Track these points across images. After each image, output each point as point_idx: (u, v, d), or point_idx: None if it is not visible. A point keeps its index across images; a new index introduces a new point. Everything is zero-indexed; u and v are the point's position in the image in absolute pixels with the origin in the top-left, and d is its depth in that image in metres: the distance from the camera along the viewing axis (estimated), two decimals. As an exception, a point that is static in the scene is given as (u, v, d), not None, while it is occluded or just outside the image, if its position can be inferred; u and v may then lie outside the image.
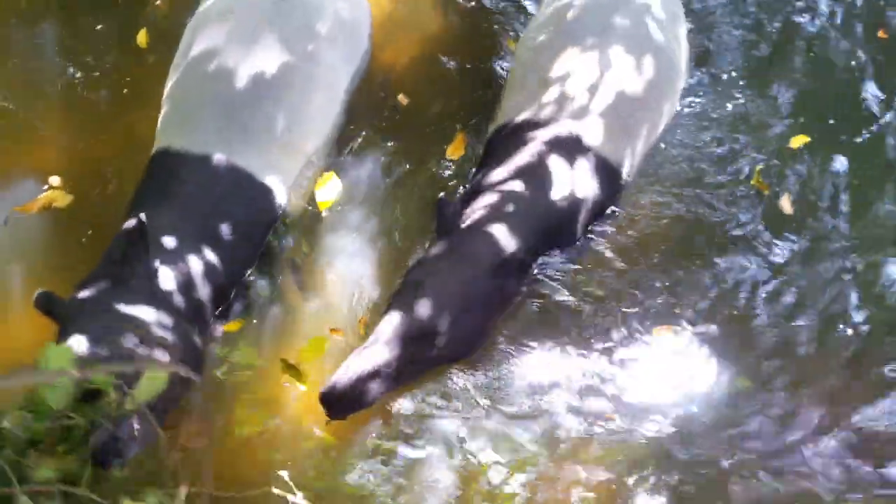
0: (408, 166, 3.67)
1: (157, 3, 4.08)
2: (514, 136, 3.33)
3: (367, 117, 3.74)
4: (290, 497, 2.61)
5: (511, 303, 3.15)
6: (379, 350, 2.82)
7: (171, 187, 3.12)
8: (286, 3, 3.46)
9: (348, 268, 3.40)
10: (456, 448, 3.03)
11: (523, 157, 3.24)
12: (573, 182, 3.22)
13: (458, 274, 2.95)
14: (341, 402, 2.77)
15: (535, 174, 3.20)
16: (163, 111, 3.41)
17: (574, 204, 3.22)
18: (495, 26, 4.05)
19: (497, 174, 3.25)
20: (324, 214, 3.48)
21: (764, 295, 3.39)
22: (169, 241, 2.98)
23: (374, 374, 2.79)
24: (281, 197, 3.32)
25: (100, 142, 3.64)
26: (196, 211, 3.08)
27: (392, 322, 2.87)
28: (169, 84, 3.46)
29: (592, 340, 3.24)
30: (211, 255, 3.06)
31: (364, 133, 3.72)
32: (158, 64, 3.62)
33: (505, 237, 3.04)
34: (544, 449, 3.03)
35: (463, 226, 3.09)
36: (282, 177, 3.32)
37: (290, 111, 3.33)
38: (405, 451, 3.01)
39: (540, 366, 3.18)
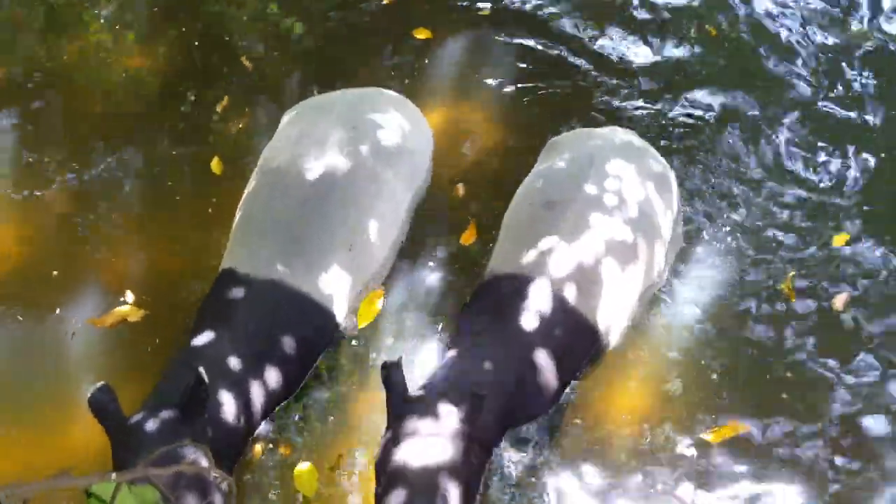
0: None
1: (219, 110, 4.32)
2: (492, 289, 3.32)
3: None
4: None
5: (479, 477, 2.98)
6: None
7: (232, 310, 3.19)
8: (355, 131, 3.62)
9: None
10: None
11: (497, 312, 3.20)
12: (547, 339, 3.15)
13: (438, 469, 2.74)
14: None
15: (511, 331, 3.13)
16: (232, 231, 3.54)
17: (551, 368, 3.15)
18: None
19: (472, 329, 3.21)
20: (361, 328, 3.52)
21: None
22: (225, 366, 3.02)
23: None
24: (339, 317, 3.38)
25: (176, 260, 3.79)
26: (255, 335, 3.14)
27: None
28: (239, 205, 3.60)
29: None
30: (266, 377, 3.11)
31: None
32: (234, 189, 3.78)
33: (471, 409, 2.83)
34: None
35: (431, 389, 2.94)
36: (340, 298, 3.39)
37: (354, 236, 3.42)
38: None
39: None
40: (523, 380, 3.08)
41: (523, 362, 3.10)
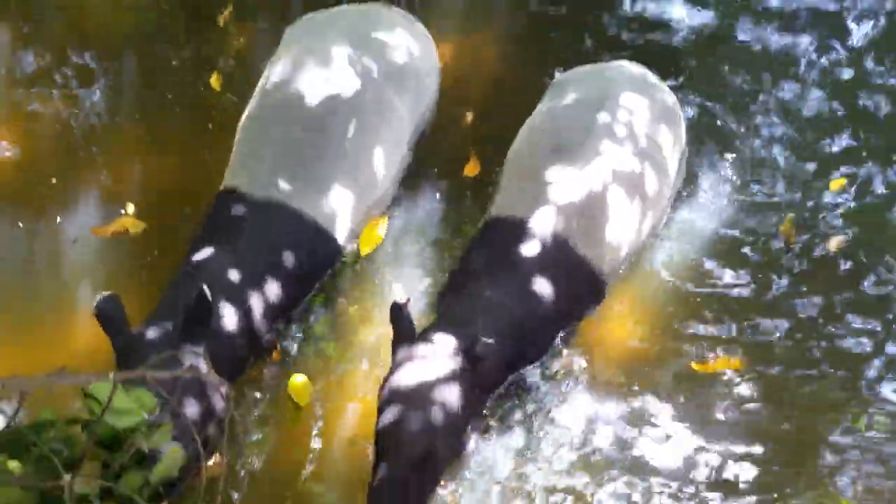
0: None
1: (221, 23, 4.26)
2: (496, 232, 3.30)
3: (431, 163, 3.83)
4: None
5: (480, 410, 3.04)
6: (394, 490, 2.68)
7: (233, 228, 3.19)
8: (359, 51, 3.56)
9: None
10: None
11: (501, 257, 3.19)
12: (550, 287, 3.15)
13: (433, 386, 2.80)
14: None
15: (512, 276, 3.14)
16: (233, 150, 3.51)
17: (554, 310, 3.17)
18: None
19: (475, 271, 3.20)
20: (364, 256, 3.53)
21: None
22: (226, 282, 3.05)
23: None
24: (341, 240, 3.40)
25: (175, 175, 3.80)
26: (255, 254, 3.15)
27: (391, 460, 2.72)
28: (241, 124, 3.56)
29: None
30: (267, 295, 3.13)
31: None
32: (232, 105, 3.78)
33: (475, 342, 2.87)
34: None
35: (434, 328, 2.97)
36: (342, 222, 3.39)
37: (356, 159, 3.40)
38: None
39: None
40: (527, 326, 3.10)
41: (527, 308, 3.11)
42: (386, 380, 2.87)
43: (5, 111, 3.97)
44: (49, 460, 1.84)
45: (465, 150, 3.89)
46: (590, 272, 3.27)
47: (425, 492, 2.74)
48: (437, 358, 2.83)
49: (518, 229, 3.22)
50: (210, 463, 2.83)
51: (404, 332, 2.91)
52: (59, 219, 3.63)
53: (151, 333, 2.82)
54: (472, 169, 3.85)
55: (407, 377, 2.81)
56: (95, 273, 3.48)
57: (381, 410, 2.81)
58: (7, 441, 1.87)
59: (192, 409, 2.71)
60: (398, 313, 2.91)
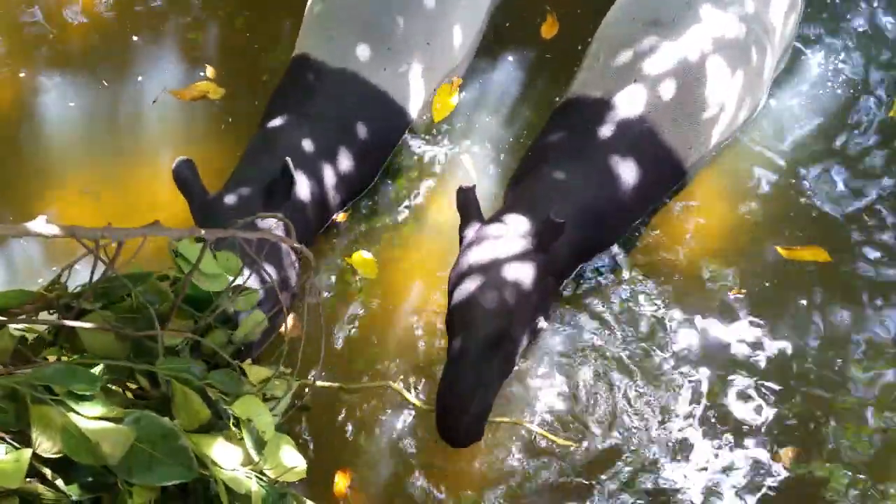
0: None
1: None
2: (577, 113, 3.13)
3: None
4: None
5: (552, 295, 2.97)
6: (472, 362, 2.66)
7: (307, 96, 3.16)
8: None
9: (468, 177, 3.41)
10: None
11: (582, 139, 3.04)
12: (632, 173, 3.01)
13: (506, 264, 2.75)
14: (467, 436, 2.67)
15: (591, 160, 3.00)
16: (306, 11, 3.43)
17: (630, 197, 3.04)
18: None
19: (552, 153, 3.07)
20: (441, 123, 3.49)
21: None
22: (300, 151, 3.04)
23: (480, 392, 2.66)
24: (413, 114, 3.34)
25: (251, 38, 3.74)
26: (328, 123, 3.13)
27: (467, 336, 2.69)
28: None
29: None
30: (339, 167, 3.13)
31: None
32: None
33: (547, 224, 2.77)
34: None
35: (506, 209, 2.92)
36: (415, 95, 3.33)
37: (430, 28, 3.30)
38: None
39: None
40: (600, 212, 2.99)
41: (602, 194, 2.99)
42: (458, 260, 2.86)
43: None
44: (142, 310, 1.90)
45: (541, 7, 3.74)
46: (674, 161, 3.12)
47: (500, 370, 2.73)
48: (509, 238, 2.79)
49: (599, 110, 3.06)
50: (289, 325, 2.91)
51: (472, 215, 2.87)
52: (139, 78, 3.64)
53: (230, 199, 2.85)
54: (549, 30, 3.70)
55: (480, 255, 2.78)
56: (174, 134, 3.51)
57: (452, 288, 2.81)
58: (103, 290, 1.92)
59: (272, 273, 2.76)
60: (465, 197, 2.86)
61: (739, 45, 3.15)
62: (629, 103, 3.05)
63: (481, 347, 2.66)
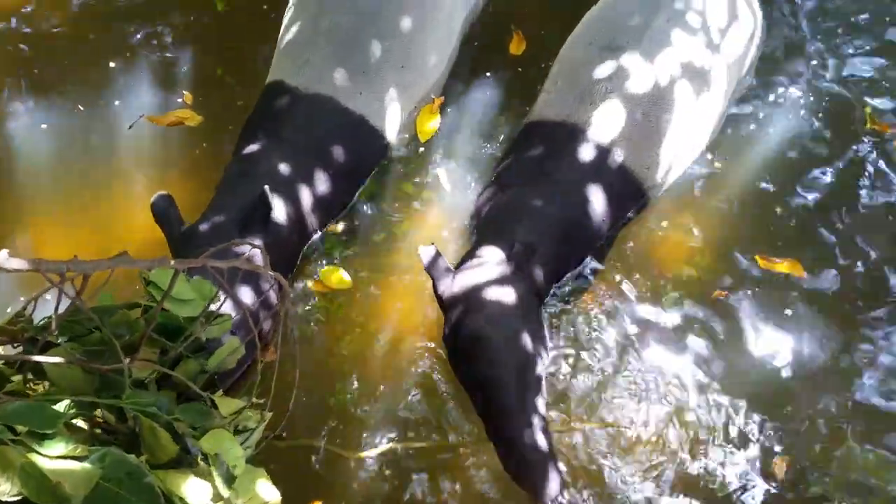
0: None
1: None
2: (538, 136, 3.17)
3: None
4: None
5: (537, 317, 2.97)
6: (516, 407, 2.61)
7: (282, 122, 3.14)
8: None
9: (449, 197, 3.41)
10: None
11: (543, 161, 3.07)
12: (593, 193, 3.04)
13: (495, 296, 2.75)
14: (558, 475, 2.61)
15: (555, 181, 3.02)
16: (279, 39, 3.42)
17: (593, 215, 3.05)
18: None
19: (516, 177, 3.10)
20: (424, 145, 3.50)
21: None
22: (277, 178, 3.01)
23: (542, 428, 2.63)
24: (390, 137, 3.33)
25: (228, 64, 3.74)
26: (305, 148, 3.11)
27: (494, 382, 2.64)
28: (287, 14, 3.46)
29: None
30: (316, 192, 3.12)
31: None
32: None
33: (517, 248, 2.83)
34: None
35: (478, 243, 2.93)
36: (392, 117, 3.32)
37: (405, 52, 3.29)
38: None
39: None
40: (568, 232, 3.01)
41: (568, 215, 3.01)
42: (447, 319, 2.83)
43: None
44: (110, 344, 1.86)
45: (507, 26, 3.81)
46: (633, 182, 3.14)
47: (537, 393, 2.69)
48: (489, 270, 2.80)
49: (559, 133, 3.10)
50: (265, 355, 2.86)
51: (442, 272, 2.85)
52: (116, 103, 3.62)
53: (206, 229, 2.83)
54: (517, 46, 3.76)
55: (467, 299, 2.76)
56: (151, 160, 3.49)
57: (453, 348, 2.78)
58: (70, 323, 1.88)
59: (248, 300, 2.73)
60: (430, 257, 2.84)
61: (695, 69, 3.20)
62: (587, 126, 3.09)
63: (514, 386, 2.62)
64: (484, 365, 2.65)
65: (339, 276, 3.18)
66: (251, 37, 3.77)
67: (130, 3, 3.92)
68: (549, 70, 3.45)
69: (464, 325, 2.71)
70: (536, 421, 2.62)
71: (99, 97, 3.62)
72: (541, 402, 2.69)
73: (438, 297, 2.87)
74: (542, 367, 2.78)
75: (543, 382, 2.77)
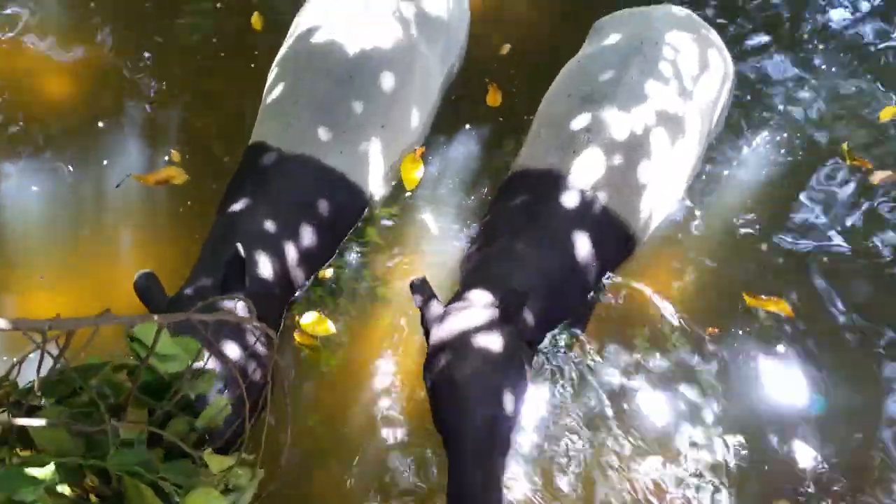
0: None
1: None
2: (524, 185, 3.20)
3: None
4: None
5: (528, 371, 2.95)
6: (473, 458, 2.58)
7: (264, 183, 3.16)
8: (389, 0, 3.46)
9: (436, 244, 3.42)
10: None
11: (530, 209, 3.10)
12: (581, 239, 3.06)
13: (479, 343, 2.73)
14: None
15: (543, 228, 3.04)
16: (262, 102, 3.45)
17: (583, 261, 3.06)
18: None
19: (504, 226, 3.11)
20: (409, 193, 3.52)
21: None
22: (259, 235, 3.03)
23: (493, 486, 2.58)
24: (372, 191, 3.36)
25: (216, 122, 3.78)
26: (286, 207, 3.12)
27: (458, 429, 2.63)
28: (270, 75, 3.50)
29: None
30: (299, 249, 3.12)
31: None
32: (273, 46, 3.68)
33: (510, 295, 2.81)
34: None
35: (465, 287, 2.92)
36: (373, 174, 3.35)
37: (386, 113, 3.33)
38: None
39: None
40: (558, 278, 3.01)
41: (558, 261, 3.02)
42: (429, 351, 2.82)
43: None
44: (95, 405, 1.84)
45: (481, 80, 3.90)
46: (620, 226, 3.17)
47: (502, 450, 2.66)
48: (475, 315, 2.78)
49: (545, 181, 3.13)
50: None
51: (432, 303, 2.86)
52: (104, 162, 3.64)
53: (191, 291, 2.84)
54: (493, 98, 3.83)
55: (451, 339, 2.75)
56: (138, 218, 3.50)
57: (431, 383, 2.77)
58: (54, 384, 1.86)
59: (235, 355, 2.71)
60: (420, 289, 2.86)
61: (670, 116, 3.25)
62: (571, 174, 3.12)
63: (478, 439, 2.59)
64: (454, 414, 2.64)
65: (325, 326, 3.17)
66: (238, 95, 3.80)
67: (116, 63, 3.97)
68: (526, 119, 3.51)
69: (445, 371, 2.69)
70: (490, 482, 2.57)
71: (88, 157, 3.64)
72: (504, 463, 2.67)
73: (426, 332, 2.87)
74: (516, 426, 2.76)
75: (514, 440, 2.75)
